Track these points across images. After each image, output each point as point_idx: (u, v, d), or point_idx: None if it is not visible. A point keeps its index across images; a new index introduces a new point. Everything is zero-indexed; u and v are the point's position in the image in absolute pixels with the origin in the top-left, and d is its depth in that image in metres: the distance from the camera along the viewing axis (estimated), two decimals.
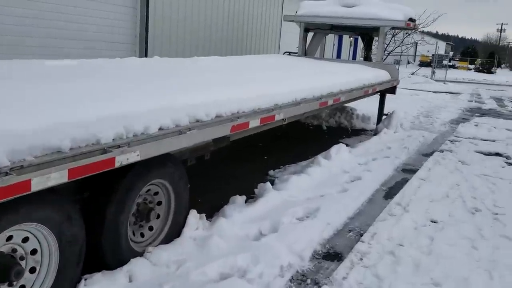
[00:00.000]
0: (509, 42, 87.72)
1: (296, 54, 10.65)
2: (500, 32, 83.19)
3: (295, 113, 4.78)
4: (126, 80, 3.74)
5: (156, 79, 4.01)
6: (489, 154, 8.13)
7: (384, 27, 9.51)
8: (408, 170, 6.67)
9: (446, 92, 20.74)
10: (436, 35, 63.86)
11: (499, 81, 34.24)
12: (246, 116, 3.80)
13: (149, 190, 3.24)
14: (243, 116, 3.77)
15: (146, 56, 9.04)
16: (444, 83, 25.34)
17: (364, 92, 7.07)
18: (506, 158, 7.89)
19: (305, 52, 10.46)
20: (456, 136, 9.67)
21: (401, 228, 4.35)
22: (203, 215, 3.93)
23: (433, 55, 32.31)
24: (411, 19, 9.70)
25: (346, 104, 10.37)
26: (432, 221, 4.64)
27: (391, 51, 27.81)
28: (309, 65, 7.94)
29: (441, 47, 53.01)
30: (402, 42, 28.36)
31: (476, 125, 11.30)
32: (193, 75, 4.58)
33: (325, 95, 5.61)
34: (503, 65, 67.28)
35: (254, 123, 3.89)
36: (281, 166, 6.30)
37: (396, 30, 27.51)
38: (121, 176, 2.89)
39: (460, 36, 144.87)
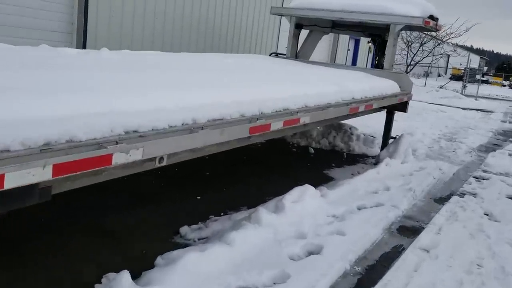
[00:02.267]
0: None
1: (284, 56, 8.52)
2: None
3: (186, 147, 2.63)
4: None
5: None
6: None
7: (395, 24, 7.30)
8: (407, 230, 4.47)
9: (476, 110, 18.29)
10: (470, 49, 60.50)
11: None
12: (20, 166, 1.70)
13: None
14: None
15: (84, 48, 7.10)
16: (476, 99, 22.77)
17: (350, 110, 4.86)
18: None
19: (296, 53, 8.33)
20: (484, 171, 7.36)
21: None
22: None
23: (465, 68, 29.52)
24: (431, 17, 7.44)
25: (343, 121, 8.23)
26: None
27: (419, 61, 25.34)
28: (286, 70, 5.83)
29: (475, 61, 49.78)
30: (431, 51, 25.87)
31: (510, 155, 8.95)
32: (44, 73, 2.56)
33: (267, 116, 3.46)
34: None
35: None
36: (211, 216, 4.18)
37: (425, 38, 25.14)
38: None
39: (495, 52, 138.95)
